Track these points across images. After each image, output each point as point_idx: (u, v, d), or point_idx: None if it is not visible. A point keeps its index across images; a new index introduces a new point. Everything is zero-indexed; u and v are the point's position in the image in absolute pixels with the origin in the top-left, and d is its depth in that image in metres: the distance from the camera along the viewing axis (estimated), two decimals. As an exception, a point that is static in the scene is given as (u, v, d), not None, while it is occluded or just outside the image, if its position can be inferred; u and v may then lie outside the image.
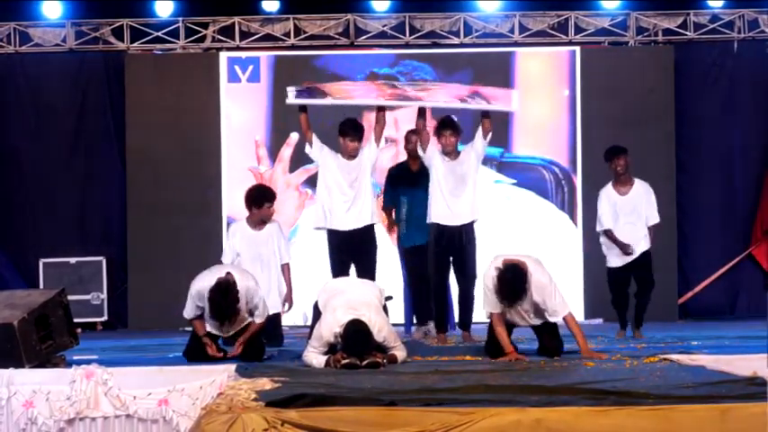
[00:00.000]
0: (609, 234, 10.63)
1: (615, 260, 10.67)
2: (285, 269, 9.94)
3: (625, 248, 10.55)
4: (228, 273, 8.57)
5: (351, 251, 9.87)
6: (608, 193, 10.72)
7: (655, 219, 10.68)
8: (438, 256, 9.89)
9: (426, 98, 9.93)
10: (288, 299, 10.01)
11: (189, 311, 8.73)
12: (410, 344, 8.86)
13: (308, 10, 13.57)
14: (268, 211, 9.88)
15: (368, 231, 9.91)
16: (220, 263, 9.73)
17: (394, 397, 6.10)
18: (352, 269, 9.87)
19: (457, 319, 10.30)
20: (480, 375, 7.26)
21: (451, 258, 9.89)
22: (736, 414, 5.77)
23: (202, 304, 8.55)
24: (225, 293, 8.34)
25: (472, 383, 6.74)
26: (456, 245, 9.82)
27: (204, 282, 8.55)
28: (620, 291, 10.72)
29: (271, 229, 9.93)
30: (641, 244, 10.60)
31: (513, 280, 8.18)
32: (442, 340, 9.81)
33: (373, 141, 9.85)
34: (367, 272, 9.73)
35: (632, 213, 10.61)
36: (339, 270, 9.77)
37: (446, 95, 10.10)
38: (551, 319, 8.46)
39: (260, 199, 9.88)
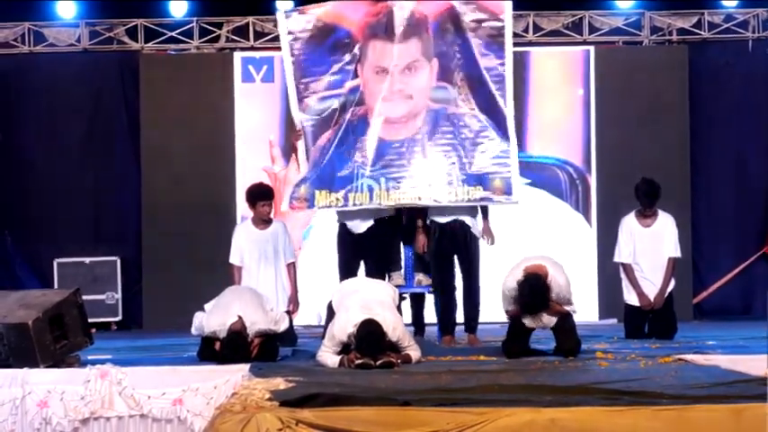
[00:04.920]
0: (627, 271, 10.22)
1: (634, 297, 10.20)
2: (289, 269, 9.91)
3: (641, 299, 10.13)
4: (239, 318, 8.30)
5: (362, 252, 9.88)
6: (629, 224, 10.27)
7: (673, 252, 10.20)
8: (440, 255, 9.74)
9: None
10: (293, 299, 9.98)
11: (196, 332, 8.64)
12: (424, 344, 8.84)
13: (321, 10, 13.56)
14: (263, 209, 9.85)
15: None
16: (229, 264, 9.90)
17: (408, 397, 6.10)
18: (361, 271, 9.86)
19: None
20: (494, 375, 7.25)
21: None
22: (751, 414, 5.75)
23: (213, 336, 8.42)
24: (236, 350, 8.13)
25: (486, 383, 6.73)
26: (459, 243, 9.69)
27: (214, 323, 8.35)
28: (636, 329, 10.15)
29: (275, 228, 9.93)
30: (659, 277, 10.16)
31: (533, 293, 8.23)
32: (448, 342, 9.62)
33: None
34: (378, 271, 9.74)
35: (653, 246, 10.16)
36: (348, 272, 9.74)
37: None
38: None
39: (254, 198, 9.89)
